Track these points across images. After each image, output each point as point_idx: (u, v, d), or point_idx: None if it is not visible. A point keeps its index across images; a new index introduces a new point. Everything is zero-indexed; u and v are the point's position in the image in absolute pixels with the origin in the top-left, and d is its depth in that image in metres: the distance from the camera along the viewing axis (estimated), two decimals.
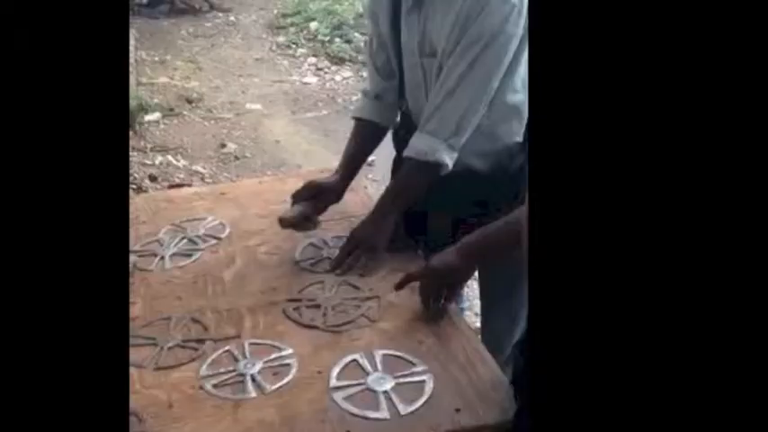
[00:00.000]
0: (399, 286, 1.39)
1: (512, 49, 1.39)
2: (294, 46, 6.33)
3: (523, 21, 1.38)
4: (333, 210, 1.66)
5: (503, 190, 1.50)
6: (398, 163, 1.63)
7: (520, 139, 1.52)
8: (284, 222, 1.57)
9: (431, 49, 1.45)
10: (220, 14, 7.50)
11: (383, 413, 1.12)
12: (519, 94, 1.47)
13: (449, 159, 1.45)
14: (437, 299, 1.36)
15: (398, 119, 1.65)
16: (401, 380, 1.18)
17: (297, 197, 1.59)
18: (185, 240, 1.64)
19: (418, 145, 1.47)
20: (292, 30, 6.74)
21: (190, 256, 1.59)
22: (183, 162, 4.04)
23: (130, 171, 3.80)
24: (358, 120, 1.67)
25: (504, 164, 1.52)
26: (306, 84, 5.45)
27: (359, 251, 1.50)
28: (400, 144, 1.62)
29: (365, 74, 5.54)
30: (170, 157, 4.08)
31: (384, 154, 1.84)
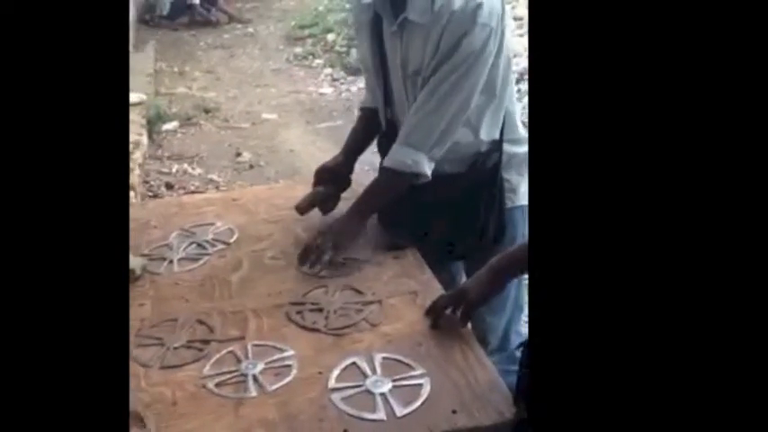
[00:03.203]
0: (434, 324, 1.36)
1: (488, 66, 1.50)
2: (311, 57, 6.41)
3: (498, 39, 1.49)
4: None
5: (480, 188, 1.60)
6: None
7: (495, 136, 1.60)
8: (301, 207, 1.65)
9: (413, 70, 1.55)
10: (239, 26, 7.61)
11: (380, 414, 1.14)
12: (482, 95, 1.53)
13: (428, 169, 1.54)
14: (465, 321, 1.38)
15: (383, 125, 1.72)
16: (399, 382, 1.21)
17: (314, 185, 1.72)
18: (194, 245, 1.68)
19: (400, 157, 1.54)
20: (310, 41, 6.82)
21: (198, 260, 1.63)
22: (198, 170, 4.11)
23: (147, 179, 3.87)
24: (363, 109, 1.81)
25: (479, 163, 1.61)
26: (322, 94, 5.51)
27: (324, 246, 1.54)
28: (385, 150, 1.70)
29: None
30: (186, 166, 4.15)
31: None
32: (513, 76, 1.65)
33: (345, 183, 1.75)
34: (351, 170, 1.76)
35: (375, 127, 1.76)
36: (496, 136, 1.60)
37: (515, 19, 5.42)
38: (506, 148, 1.62)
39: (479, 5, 1.44)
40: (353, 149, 1.78)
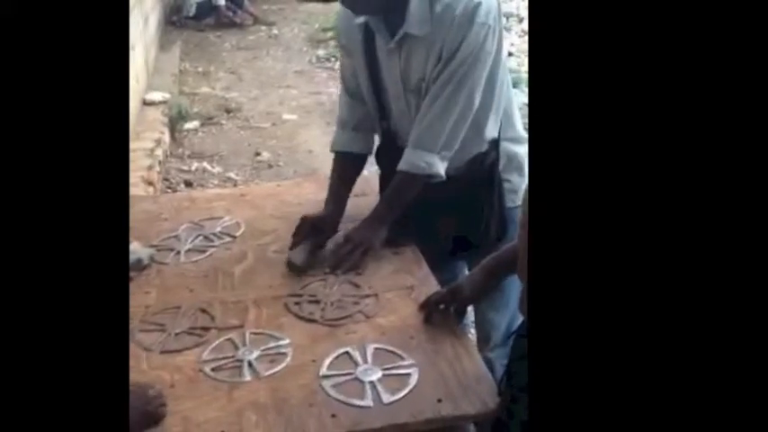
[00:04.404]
0: (426, 318, 1.40)
1: (489, 64, 1.53)
2: (333, 59, 6.45)
3: (497, 37, 1.51)
4: (347, 214, 1.73)
5: (479, 186, 1.63)
6: (384, 178, 1.73)
7: (495, 135, 1.63)
8: (294, 268, 1.58)
9: (415, 82, 1.58)
10: (263, 28, 7.70)
11: (367, 401, 1.18)
12: (485, 94, 1.56)
13: (442, 170, 1.57)
14: (459, 317, 1.42)
15: (380, 138, 1.73)
16: (388, 372, 1.25)
17: (296, 236, 1.64)
18: (201, 237, 1.74)
19: (414, 160, 1.57)
20: (332, 43, 6.87)
21: (204, 251, 1.68)
22: (217, 169, 4.18)
23: (167, 176, 3.95)
24: (338, 153, 1.76)
25: (478, 162, 1.63)
26: None
27: (356, 252, 1.58)
28: (383, 161, 1.74)
29: None
30: (206, 164, 4.22)
31: None
32: (510, 75, 1.69)
33: (328, 236, 1.66)
34: (337, 223, 1.69)
35: (353, 171, 1.75)
36: (496, 134, 1.63)
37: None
38: (506, 147, 1.65)
39: (478, 5, 1.47)
40: (339, 199, 1.71)
